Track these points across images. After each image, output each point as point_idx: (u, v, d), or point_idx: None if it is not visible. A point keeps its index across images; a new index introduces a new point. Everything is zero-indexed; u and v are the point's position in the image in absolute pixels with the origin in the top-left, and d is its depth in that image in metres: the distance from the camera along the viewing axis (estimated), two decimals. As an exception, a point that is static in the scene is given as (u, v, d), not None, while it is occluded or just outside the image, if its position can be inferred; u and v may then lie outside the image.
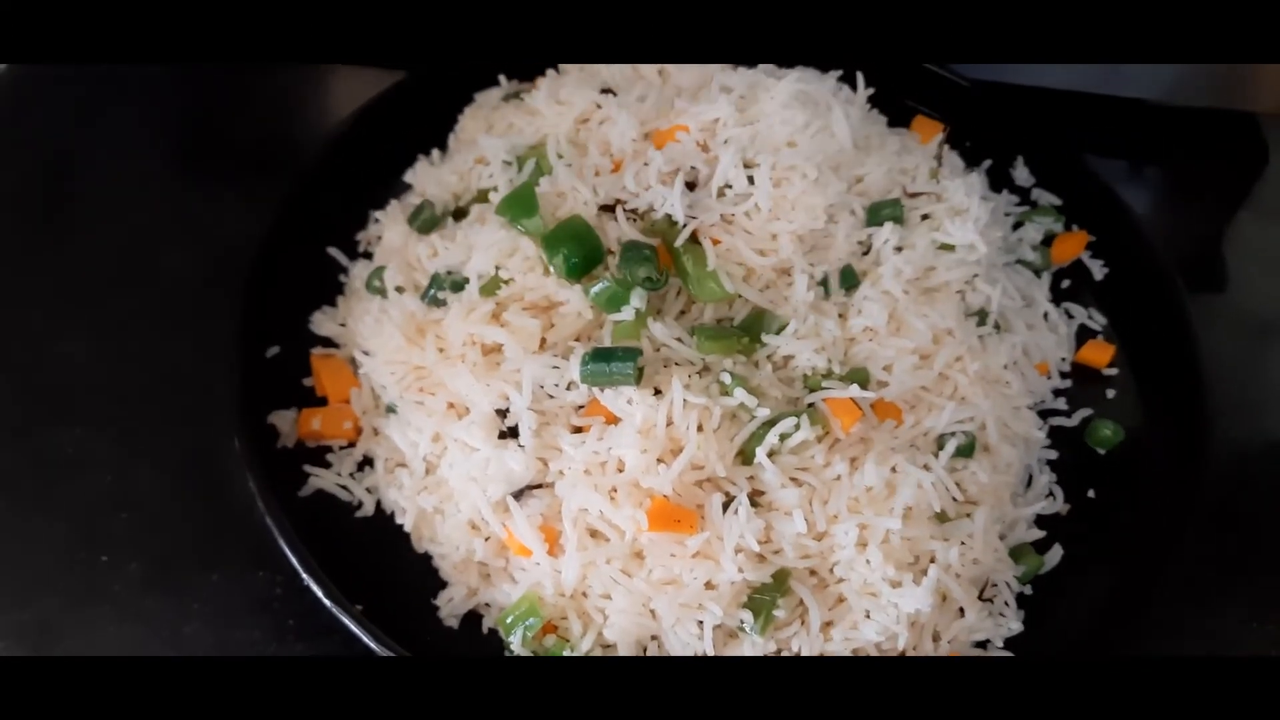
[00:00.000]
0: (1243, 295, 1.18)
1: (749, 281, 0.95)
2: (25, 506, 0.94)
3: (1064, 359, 1.07)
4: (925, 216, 1.03)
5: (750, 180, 0.96)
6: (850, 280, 0.98)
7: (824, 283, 0.97)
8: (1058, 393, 1.05)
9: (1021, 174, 1.20)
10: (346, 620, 0.84)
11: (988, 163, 1.19)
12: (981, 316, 1.01)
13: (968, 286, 1.02)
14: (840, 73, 1.10)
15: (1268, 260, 1.21)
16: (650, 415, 0.87)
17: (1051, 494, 0.99)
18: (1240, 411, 1.04)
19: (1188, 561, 0.94)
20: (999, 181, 1.19)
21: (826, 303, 0.97)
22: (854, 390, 0.90)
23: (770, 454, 0.87)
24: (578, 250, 0.90)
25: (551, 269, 0.92)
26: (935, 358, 0.96)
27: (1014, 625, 0.90)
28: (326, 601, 0.85)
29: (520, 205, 0.93)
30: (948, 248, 1.01)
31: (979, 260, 1.02)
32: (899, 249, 1.00)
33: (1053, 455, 1.01)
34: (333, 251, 1.08)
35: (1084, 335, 1.10)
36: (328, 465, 0.96)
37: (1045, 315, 1.08)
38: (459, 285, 0.95)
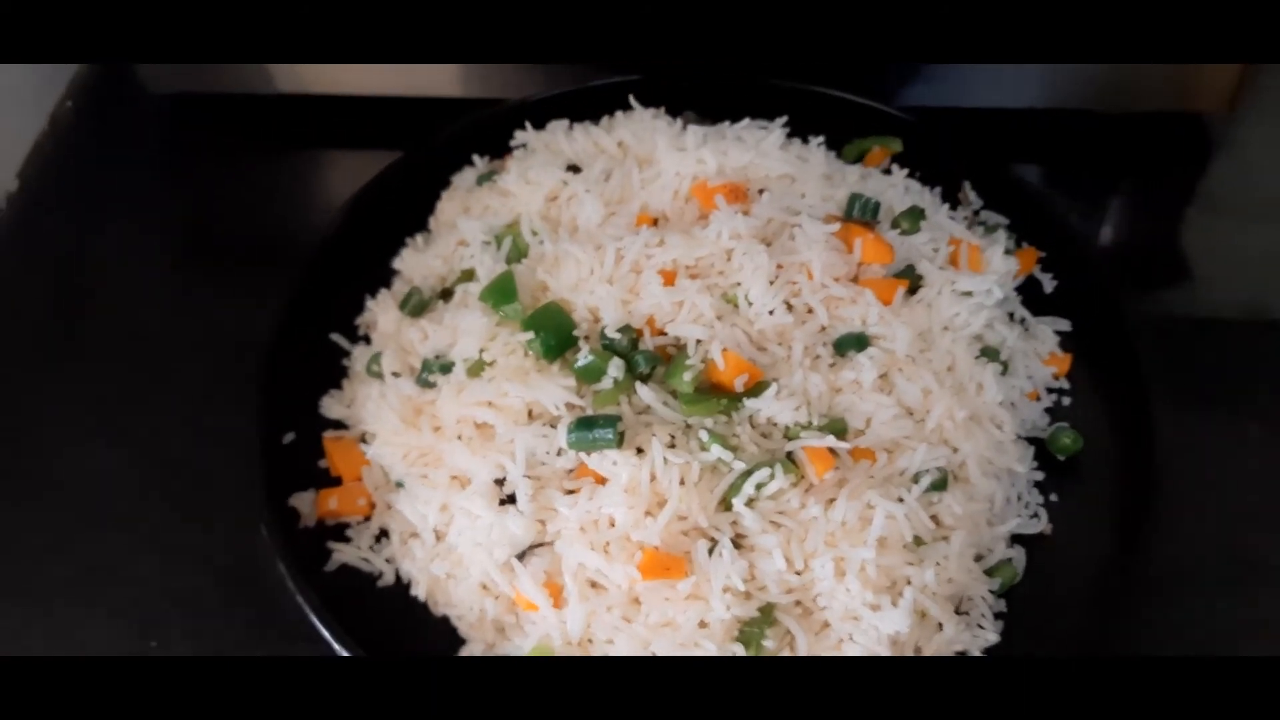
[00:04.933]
0: (1194, 292, 1.23)
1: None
2: (76, 612, 1.02)
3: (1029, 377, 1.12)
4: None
5: None
6: (862, 344, 1.01)
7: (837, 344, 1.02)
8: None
9: (969, 196, 1.25)
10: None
11: (939, 189, 1.25)
12: (990, 354, 1.06)
13: (987, 329, 1.07)
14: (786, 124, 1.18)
15: (1217, 256, 1.26)
16: (635, 474, 0.94)
17: (1036, 515, 1.03)
18: (1194, 408, 1.10)
19: (1152, 556, 0.99)
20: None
21: (819, 360, 1.02)
22: (830, 440, 0.96)
23: (748, 502, 0.94)
24: (554, 334, 0.99)
25: (530, 350, 1.00)
26: (927, 420, 1.00)
27: (991, 636, 0.97)
28: (357, 668, 0.93)
29: (500, 293, 1.02)
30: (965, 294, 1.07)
31: (996, 303, 1.07)
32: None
33: (1039, 476, 1.05)
34: (335, 337, 1.15)
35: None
36: (348, 540, 1.04)
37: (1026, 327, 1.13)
38: (447, 368, 1.03)
